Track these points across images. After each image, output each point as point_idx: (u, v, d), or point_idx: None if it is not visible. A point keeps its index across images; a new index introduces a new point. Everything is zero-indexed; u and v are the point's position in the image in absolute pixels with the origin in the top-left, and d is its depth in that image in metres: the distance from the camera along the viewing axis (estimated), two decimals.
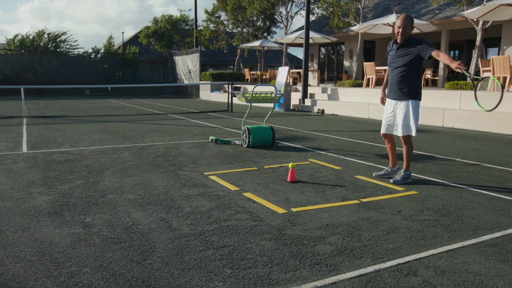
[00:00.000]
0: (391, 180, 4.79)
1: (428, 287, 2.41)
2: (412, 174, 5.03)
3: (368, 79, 15.28)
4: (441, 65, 17.55)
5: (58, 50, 30.54)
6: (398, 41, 4.64)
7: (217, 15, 27.67)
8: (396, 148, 5.05)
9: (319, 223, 3.44)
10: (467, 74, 4.27)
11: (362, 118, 12.94)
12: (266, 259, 2.75)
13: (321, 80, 23.18)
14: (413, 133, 4.67)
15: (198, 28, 28.44)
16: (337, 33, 20.76)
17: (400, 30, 4.54)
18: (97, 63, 31.41)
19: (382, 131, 4.95)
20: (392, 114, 4.80)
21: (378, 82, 15.93)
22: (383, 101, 5.03)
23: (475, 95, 4.58)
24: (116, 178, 4.89)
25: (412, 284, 2.44)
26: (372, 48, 21.96)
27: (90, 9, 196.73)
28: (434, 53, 4.40)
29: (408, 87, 4.64)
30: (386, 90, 4.94)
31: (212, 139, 7.64)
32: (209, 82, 22.78)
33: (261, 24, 27.08)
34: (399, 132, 4.72)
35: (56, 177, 4.92)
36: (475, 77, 4.58)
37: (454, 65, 4.11)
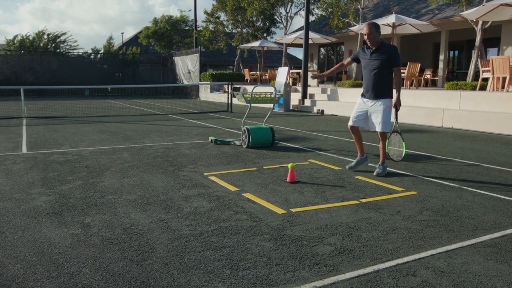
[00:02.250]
0: (374, 173, 5.15)
1: (427, 287, 2.41)
2: (410, 174, 5.16)
3: None
4: (440, 66, 17.56)
5: (58, 50, 30.54)
6: (371, 46, 5.10)
7: (216, 15, 27.67)
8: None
9: (319, 223, 3.44)
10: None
11: None
12: (266, 260, 2.76)
13: (321, 81, 23.18)
14: (388, 129, 5.16)
15: (198, 29, 28.46)
16: (336, 34, 20.78)
17: (366, 36, 5.03)
18: (96, 64, 31.41)
19: (351, 123, 5.33)
20: (364, 111, 5.22)
21: None
22: (319, 77, 5.83)
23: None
24: (115, 179, 4.89)
25: (411, 285, 2.44)
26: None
27: (91, 9, 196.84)
28: (397, 69, 5.13)
29: (384, 87, 5.11)
30: (363, 90, 5.32)
31: (211, 140, 7.64)
32: (208, 82, 22.79)
33: (261, 25, 27.09)
34: (378, 128, 5.13)
35: (56, 178, 4.93)
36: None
37: (398, 100, 5.16)
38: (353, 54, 5.48)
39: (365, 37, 5.03)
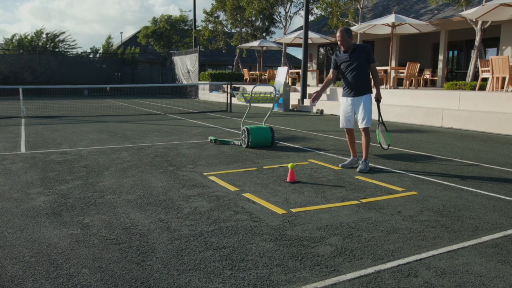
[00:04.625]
0: (357, 170, 5.33)
1: None
2: (410, 174, 5.17)
3: None
4: (440, 66, 17.56)
5: (57, 50, 30.48)
6: (346, 50, 5.39)
7: (215, 15, 27.66)
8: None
9: (319, 223, 3.43)
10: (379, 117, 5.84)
11: None
12: (266, 260, 2.74)
13: (320, 80, 23.15)
14: (371, 124, 5.45)
15: (197, 28, 28.43)
16: (336, 33, 20.75)
17: (340, 43, 5.36)
18: (95, 63, 31.36)
19: (345, 126, 5.61)
20: (351, 112, 5.49)
21: None
22: (313, 99, 5.64)
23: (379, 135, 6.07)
24: (115, 179, 4.87)
25: (412, 285, 2.43)
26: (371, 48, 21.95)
27: (91, 9, 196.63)
28: (373, 65, 5.44)
29: (365, 84, 5.41)
30: (344, 91, 5.56)
31: (211, 140, 7.62)
32: (208, 82, 22.75)
33: (260, 24, 27.07)
34: (362, 124, 5.41)
35: (55, 178, 4.90)
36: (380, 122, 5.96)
37: (379, 94, 5.49)
38: (332, 65, 5.64)
39: (339, 43, 5.37)
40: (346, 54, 5.42)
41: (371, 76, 5.50)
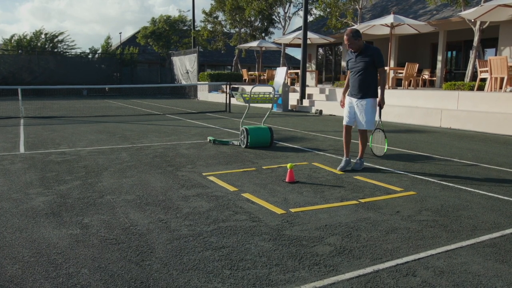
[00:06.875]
0: (350, 168, 5.42)
1: (427, 287, 2.41)
2: (409, 174, 5.19)
3: None
4: (438, 66, 17.59)
5: (56, 50, 30.44)
6: (354, 51, 5.41)
7: (215, 15, 27.67)
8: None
9: (318, 223, 3.44)
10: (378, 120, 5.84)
11: None
12: (265, 260, 2.75)
13: (319, 81, 23.20)
14: (371, 127, 5.54)
15: (196, 29, 28.44)
16: (335, 34, 20.78)
17: (347, 46, 5.40)
18: (94, 64, 31.34)
19: (345, 123, 5.60)
20: (353, 112, 5.51)
21: None
22: (343, 105, 5.72)
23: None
24: (114, 179, 4.87)
25: (411, 285, 2.44)
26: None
27: (91, 9, 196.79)
28: (381, 69, 5.41)
29: (368, 87, 5.37)
30: (350, 90, 5.58)
31: (210, 140, 7.63)
32: (207, 82, 22.77)
33: (259, 25, 27.07)
34: (361, 126, 5.45)
35: (54, 178, 4.91)
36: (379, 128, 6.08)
37: (382, 99, 5.45)
38: (346, 66, 5.74)
39: (347, 46, 5.42)
40: (353, 54, 5.45)
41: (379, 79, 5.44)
